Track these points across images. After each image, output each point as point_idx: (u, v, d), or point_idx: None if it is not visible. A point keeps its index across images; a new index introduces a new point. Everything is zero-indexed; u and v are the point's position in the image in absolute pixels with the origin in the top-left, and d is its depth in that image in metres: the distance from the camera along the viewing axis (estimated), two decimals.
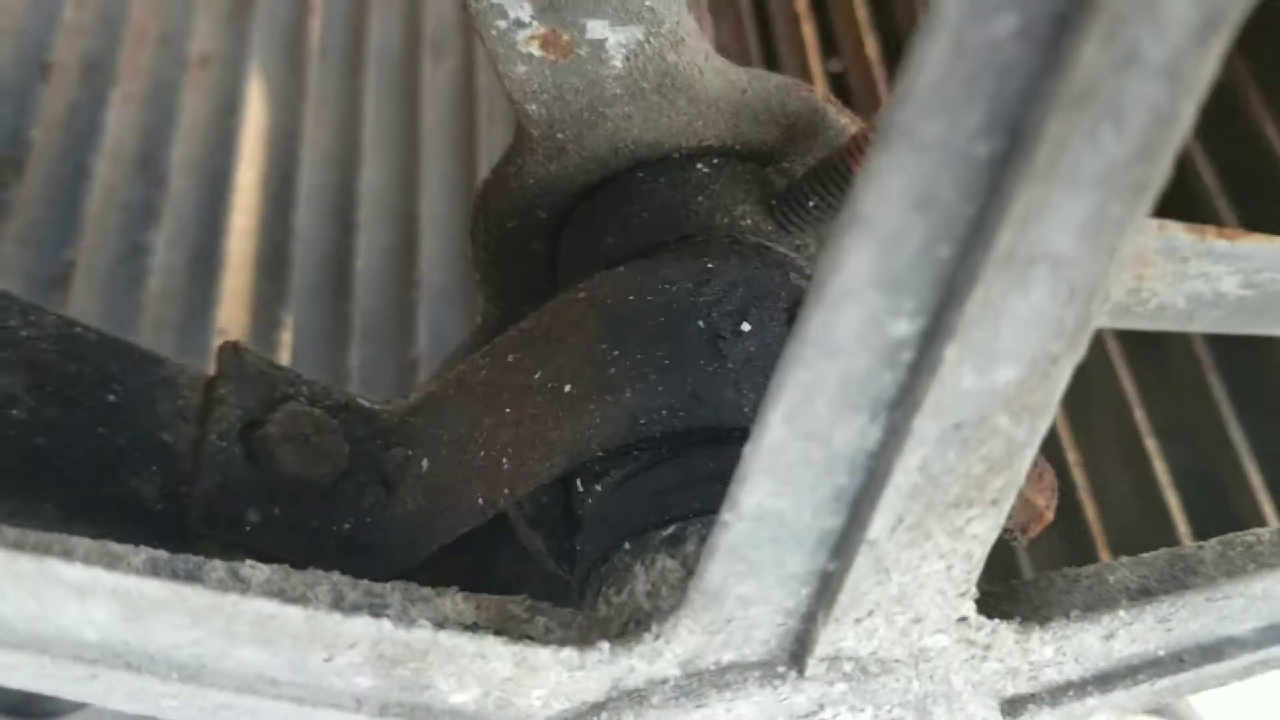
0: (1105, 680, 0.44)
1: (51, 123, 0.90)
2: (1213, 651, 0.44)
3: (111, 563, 0.34)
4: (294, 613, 0.35)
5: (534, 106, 0.50)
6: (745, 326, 0.46)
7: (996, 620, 0.41)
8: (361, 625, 0.36)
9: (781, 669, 0.40)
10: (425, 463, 0.50)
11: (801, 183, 0.52)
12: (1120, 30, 0.23)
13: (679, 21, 0.49)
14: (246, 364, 0.51)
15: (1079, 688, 0.44)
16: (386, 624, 0.36)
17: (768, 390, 0.31)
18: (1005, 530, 0.43)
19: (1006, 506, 0.36)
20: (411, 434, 0.52)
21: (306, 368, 0.65)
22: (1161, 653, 0.44)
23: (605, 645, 0.38)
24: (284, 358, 0.86)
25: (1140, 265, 0.62)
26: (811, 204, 0.52)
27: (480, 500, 0.49)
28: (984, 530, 0.36)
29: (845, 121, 0.53)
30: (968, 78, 0.24)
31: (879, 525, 0.34)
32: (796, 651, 0.39)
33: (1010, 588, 0.44)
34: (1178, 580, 0.42)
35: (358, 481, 0.51)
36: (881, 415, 0.31)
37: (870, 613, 0.38)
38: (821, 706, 0.41)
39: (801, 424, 0.31)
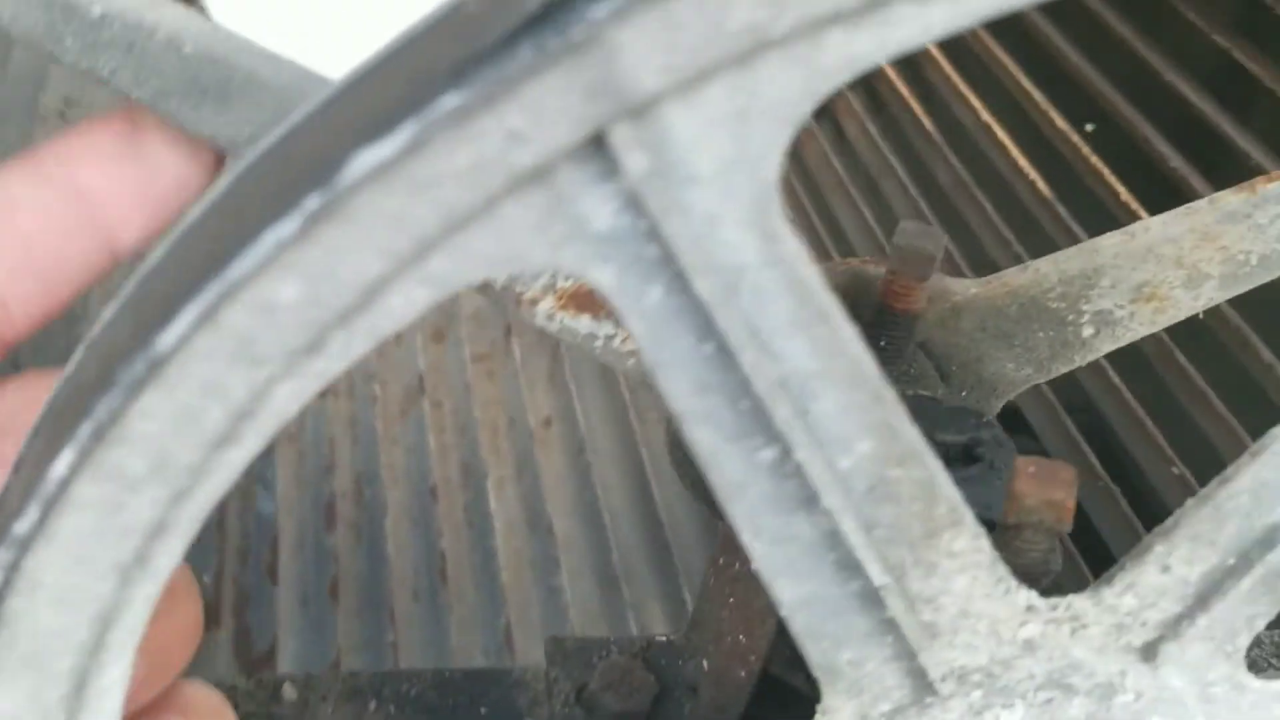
0: (1201, 600, 0.53)
1: (453, 529, 1.16)
2: (1267, 541, 0.52)
3: None
4: None
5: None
6: None
7: (1068, 597, 0.52)
8: None
9: (927, 699, 0.52)
10: (705, 662, 0.67)
11: (870, 332, 0.67)
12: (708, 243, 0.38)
13: None
14: (567, 647, 0.70)
15: (1187, 616, 0.54)
16: None
17: (730, 522, 0.46)
18: (1043, 531, 0.53)
19: (969, 519, 0.48)
20: (692, 645, 0.68)
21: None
22: (1230, 560, 0.52)
23: None
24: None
25: (1214, 240, 0.72)
26: (882, 344, 0.66)
27: (744, 674, 0.64)
28: (966, 543, 0.48)
29: (880, 272, 0.67)
30: (659, 325, 0.40)
31: (877, 574, 0.47)
32: (925, 682, 0.51)
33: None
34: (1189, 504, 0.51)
35: (673, 698, 0.68)
36: (812, 507, 0.46)
37: (954, 632, 0.51)
38: (977, 714, 0.53)
39: (767, 535, 0.47)
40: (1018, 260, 1.26)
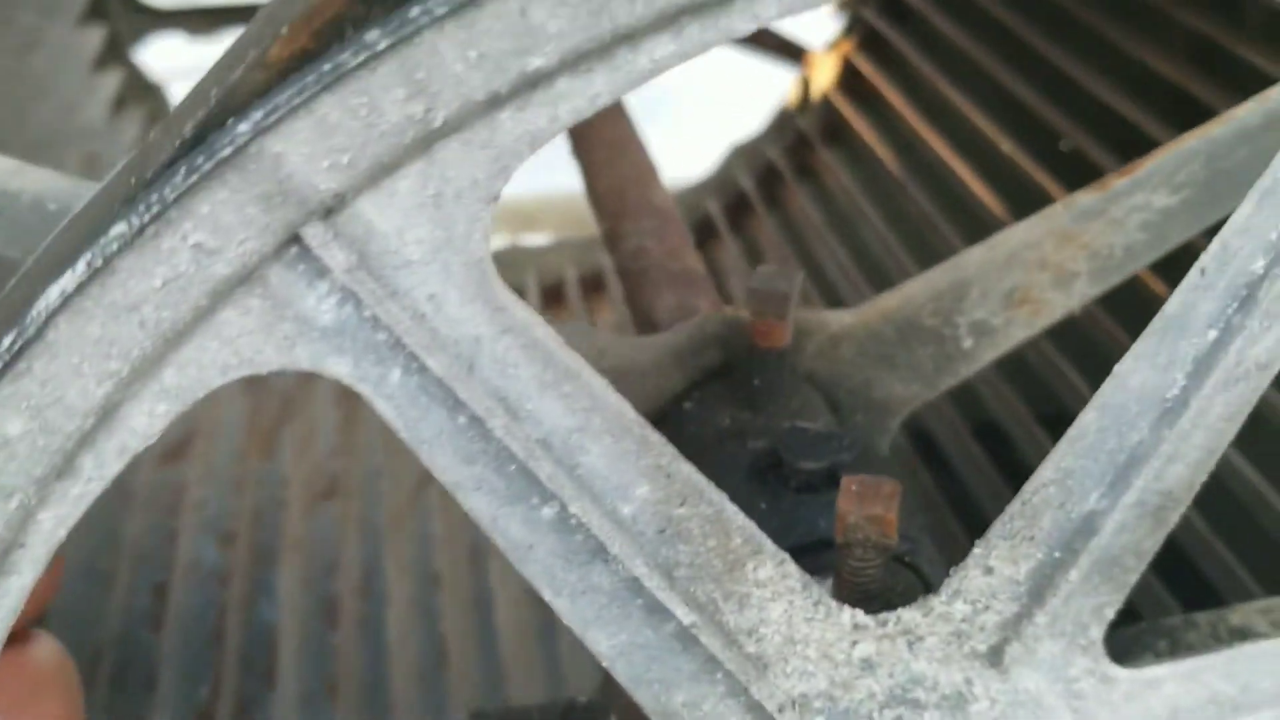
0: (1035, 596, 0.55)
1: (456, 611, 1.19)
2: (1087, 529, 0.53)
3: None
4: None
5: None
6: None
7: (896, 611, 0.53)
8: None
9: None
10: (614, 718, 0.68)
11: (744, 372, 0.70)
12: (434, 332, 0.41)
13: None
14: (490, 716, 0.72)
15: (1025, 614, 0.55)
16: None
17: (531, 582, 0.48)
18: (871, 547, 0.54)
19: (768, 547, 0.50)
20: (608, 700, 0.70)
21: None
22: (1055, 553, 0.54)
23: None
24: None
25: (1074, 239, 0.74)
26: (757, 383, 0.69)
27: None
28: (773, 569, 0.50)
29: (744, 315, 0.70)
30: (409, 405, 0.43)
31: (685, 615, 0.49)
32: (764, 715, 0.53)
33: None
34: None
35: None
36: (604, 556, 0.48)
37: (783, 659, 0.52)
38: None
39: (567, 589, 0.49)
40: None
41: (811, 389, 0.76)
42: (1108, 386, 0.50)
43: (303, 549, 1.30)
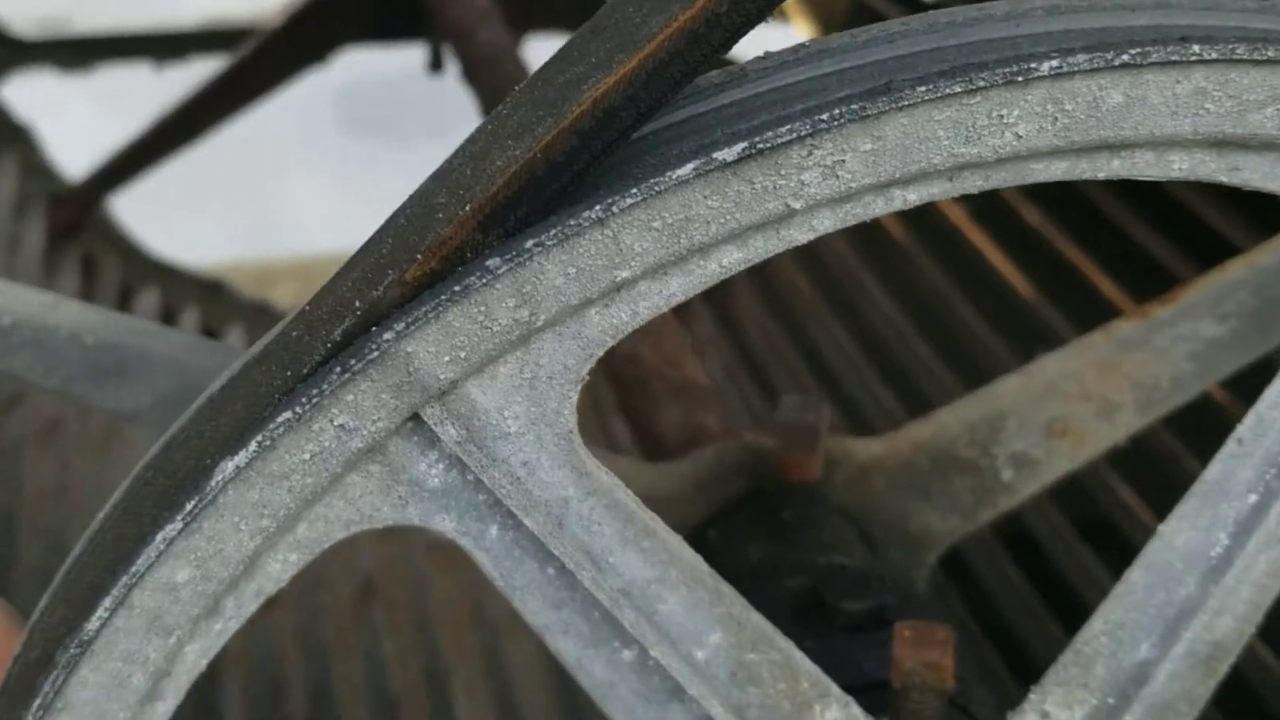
0: None
1: None
2: (1139, 678, 0.66)
3: None
4: None
5: None
6: None
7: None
8: None
9: None
10: None
11: (772, 503, 0.83)
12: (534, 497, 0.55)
13: None
14: None
15: None
16: None
17: None
18: (929, 691, 0.68)
19: (835, 691, 0.63)
20: None
21: None
22: (1109, 699, 0.66)
23: None
24: None
25: (1116, 369, 0.87)
26: (786, 516, 0.82)
27: None
28: (839, 712, 0.63)
29: (769, 444, 0.83)
30: (507, 555, 0.56)
31: None
32: None
33: None
34: None
35: None
36: (682, 696, 0.61)
37: None
38: None
39: None
40: None
41: (843, 521, 0.87)
42: (1153, 545, 0.62)
43: (244, 664, 1.39)
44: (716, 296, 1.77)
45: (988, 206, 1.47)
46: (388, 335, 0.51)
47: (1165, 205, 1.27)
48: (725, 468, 0.86)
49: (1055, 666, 0.66)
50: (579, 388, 0.55)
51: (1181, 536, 0.63)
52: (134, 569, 0.53)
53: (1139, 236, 1.27)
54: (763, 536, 0.84)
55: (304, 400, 0.51)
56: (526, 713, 1.34)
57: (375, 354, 0.51)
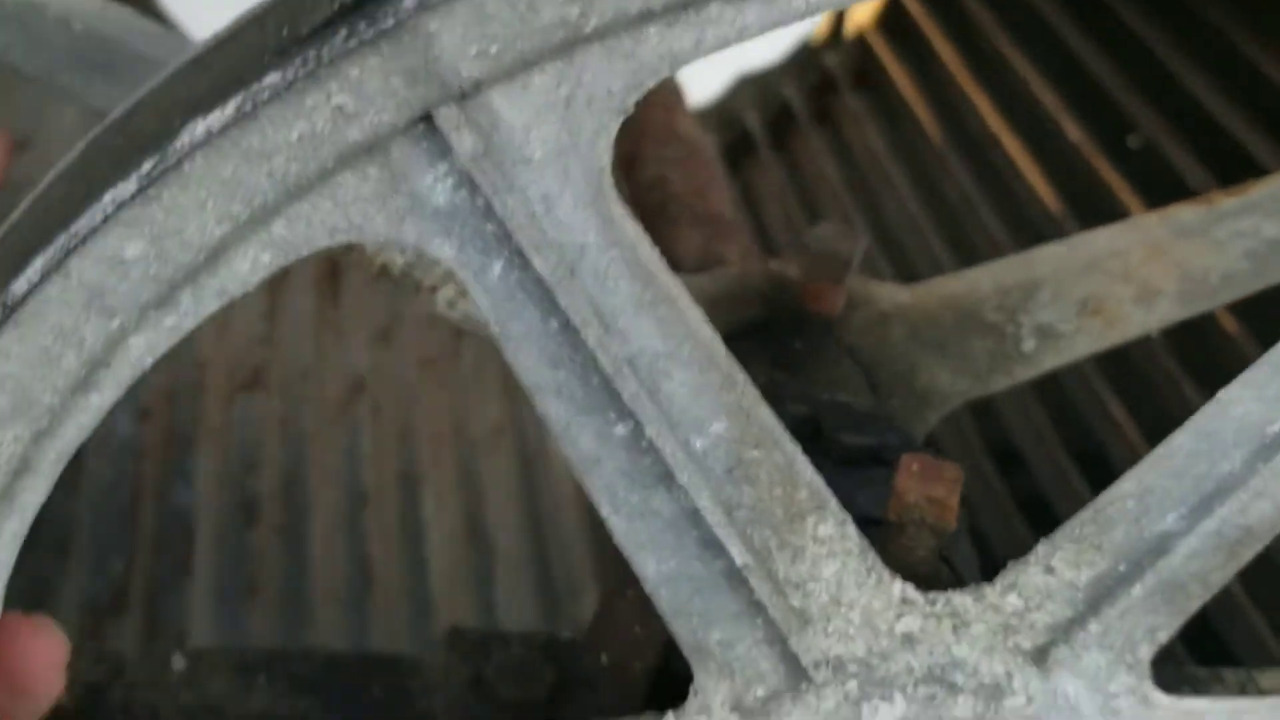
0: (1092, 605, 0.61)
1: (384, 537, 1.25)
2: (1158, 549, 0.59)
3: None
4: None
5: None
6: None
7: (948, 593, 0.60)
8: None
9: (801, 685, 0.60)
10: (604, 655, 0.75)
11: (785, 332, 0.75)
12: (550, 237, 0.47)
13: None
14: (467, 637, 0.79)
15: (1077, 621, 0.61)
16: None
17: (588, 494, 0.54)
18: (925, 529, 0.61)
19: (833, 505, 0.56)
20: (596, 640, 0.77)
21: None
22: (1119, 566, 0.60)
23: (670, 717, 0.60)
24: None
25: (1166, 255, 0.80)
26: (797, 345, 0.75)
27: (639, 668, 0.73)
28: (834, 529, 0.56)
29: (794, 273, 0.75)
30: (506, 300, 0.49)
31: (740, 555, 0.56)
32: (798, 668, 0.59)
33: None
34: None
35: (573, 690, 0.76)
36: (670, 483, 0.54)
37: (827, 619, 0.59)
38: (855, 704, 0.61)
39: (625, 510, 0.55)
40: None
41: (852, 364, 0.81)
42: (1207, 410, 0.55)
43: (221, 439, 1.35)
44: (740, 168, 1.71)
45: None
46: (409, 2, 0.42)
47: (1202, 126, 1.21)
48: (744, 290, 0.79)
49: (1073, 522, 0.59)
50: (619, 121, 0.46)
51: (1240, 406, 0.56)
52: (74, 230, 0.44)
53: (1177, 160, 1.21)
54: (770, 362, 0.77)
55: (298, 62, 0.42)
56: (493, 531, 1.28)
57: (390, 24, 0.42)
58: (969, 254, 1.34)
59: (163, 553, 1.21)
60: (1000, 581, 0.60)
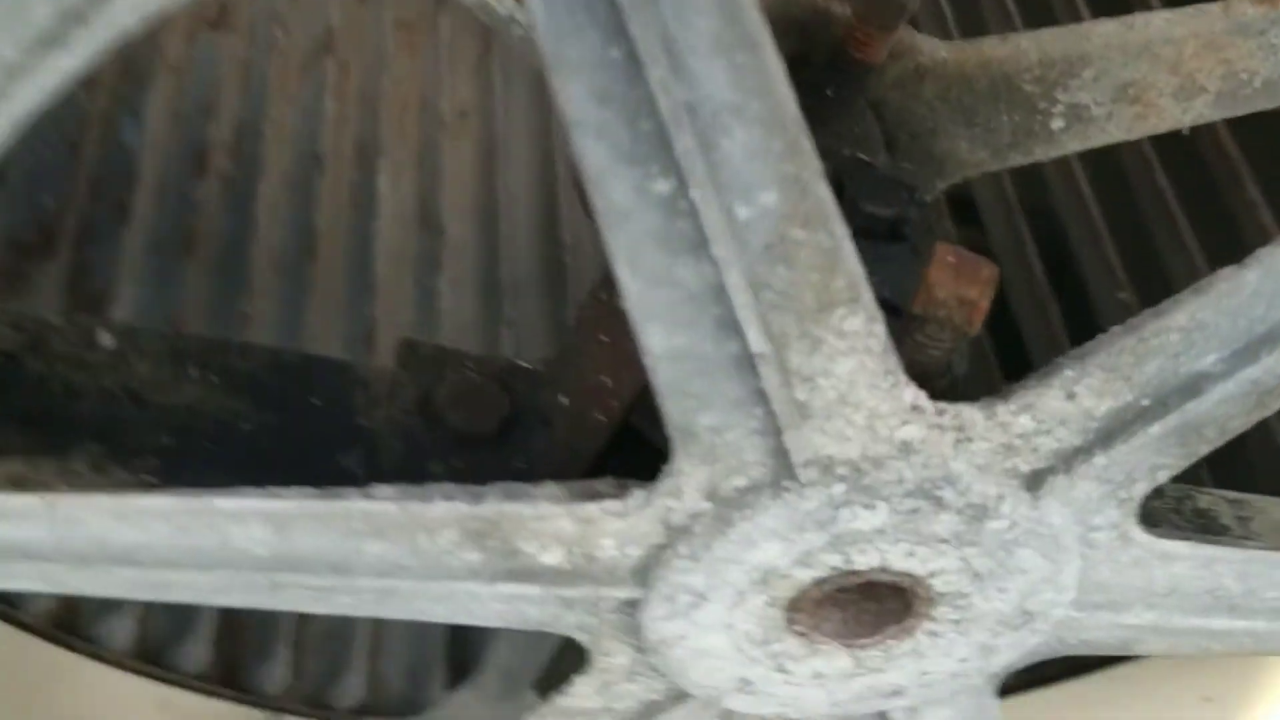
0: (1104, 437, 0.56)
1: (334, 206, 1.18)
2: (1189, 389, 0.55)
3: (259, 492, 0.55)
4: (389, 508, 0.55)
5: None
6: None
7: (958, 405, 0.55)
8: (443, 509, 0.56)
9: (785, 482, 0.55)
10: (564, 398, 0.70)
11: (820, 76, 0.68)
12: None
13: None
14: (420, 352, 0.73)
15: (1084, 451, 0.57)
16: (459, 504, 0.56)
17: (606, 249, 0.48)
18: (949, 328, 0.56)
19: (866, 299, 0.51)
20: (554, 377, 0.71)
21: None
22: (1144, 401, 0.56)
23: (638, 491, 0.56)
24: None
25: (1218, 51, 0.74)
26: (829, 92, 0.68)
27: (603, 420, 0.68)
28: (860, 324, 0.51)
29: (844, 13, 0.68)
30: (566, 13, 0.41)
31: (757, 340, 0.50)
32: (786, 463, 0.55)
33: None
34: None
35: (524, 426, 0.71)
36: (700, 253, 0.48)
37: (827, 417, 0.54)
38: (835, 508, 0.56)
39: (645, 274, 0.49)
40: None
41: (873, 119, 0.75)
42: None
43: (178, 77, 1.27)
44: None
45: None
46: None
47: None
48: (783, 17, 0.71)
49: (1109, 348, 0.54)
50: None
51: None
52: None
53: None
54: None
55: None
56: (445, 217, 1.21)
57: None
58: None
59: (100, 195, 1.13)
60: (1016, 400, 0.55)
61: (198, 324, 1.10)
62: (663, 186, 0.46)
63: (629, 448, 0.70)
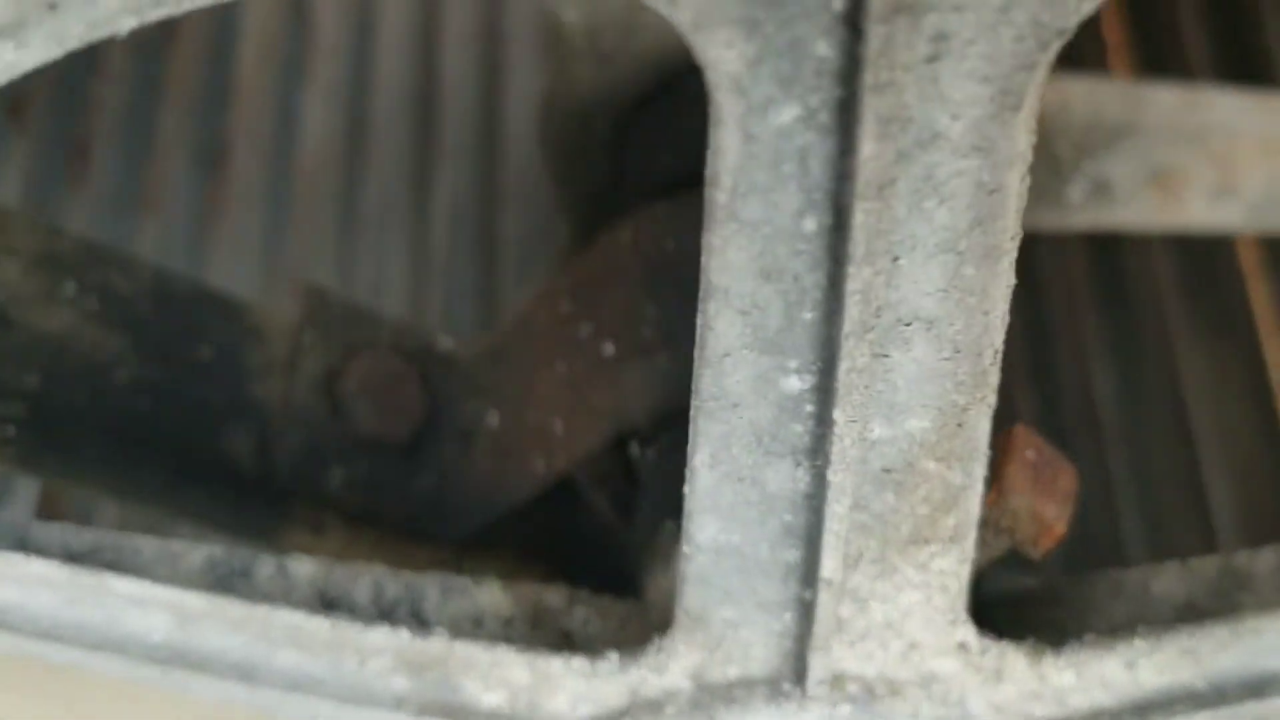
0: (1140, 709, 0.46)
1: None
2: (1256, 687, 0.45)
3: (165, 573, 0.40)
4: (320, 624, 0.41)
5: (571, 13, 0.52)
6: None
7: (1005, 643, 0.42)
8: (383, 635, 0.41)
9: (786, 686, 0.44)
10: (496, 417, 0.54)
11: None
12: (910, 111, 0.24)
13: None
14: (330, 308, 0.56)
15: (1112, 715, 0.45)
16: (404, 634, 0.42)
17: (690, 436, 0.34)
18: (1010, 536, 0.43)
19: (968, 543, 0.39)
20: (484, 383, 0.56)
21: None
22: (1199, 685, 0.45)
23: (614, 656, 0.43)
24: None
25: (1272, 156, 0.62)
26: None
27: (543, 468, 0.53)
28: (950, 565, 0.38)
29: None
30: (769, 163, 0.26)
31: (831, 561, 0.37)
32: (798, 670, 0.42)
33: (1045, 591, 0.45)
34: (1226, 598, 0.42)
35: (437, 435, 0.55)
36: (804, 461, 0.34)
37: (862, 637, 0.41)
38: None
39: (726, 468, 0.35)
40: None
41: None
42: None
43: None
44: None
45: None
46: None
47: None
48: None
49: (1194, 629, 0.44)
50: None
51: None
52: None
53: None
54: None
55: None
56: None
57: None
58: None
59: None
60: (1068, 655, 0.44)
61: None
62: (793, 385, 0.32)
63: (561, 501, 0.56)
